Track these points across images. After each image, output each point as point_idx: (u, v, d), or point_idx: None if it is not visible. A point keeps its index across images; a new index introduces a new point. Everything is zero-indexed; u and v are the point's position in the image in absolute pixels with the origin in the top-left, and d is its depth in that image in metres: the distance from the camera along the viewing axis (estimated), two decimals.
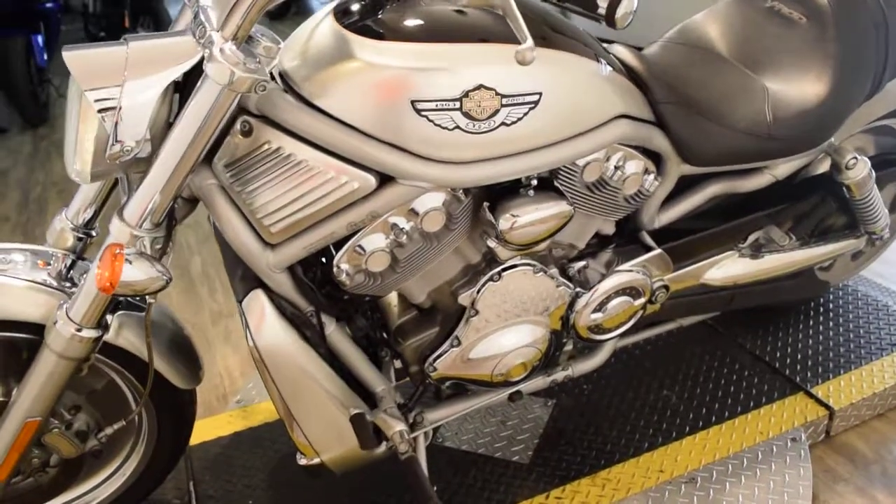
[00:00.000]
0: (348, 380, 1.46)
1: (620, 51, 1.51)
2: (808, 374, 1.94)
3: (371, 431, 1.39)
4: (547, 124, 1.26)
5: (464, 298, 1.45)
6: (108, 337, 1.32)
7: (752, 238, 1.76)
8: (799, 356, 2.00)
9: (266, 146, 1.18)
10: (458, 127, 1.18)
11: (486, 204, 1.34)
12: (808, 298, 2.18)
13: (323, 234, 1.25)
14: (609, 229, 1.61)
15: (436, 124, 1.17)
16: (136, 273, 1.15)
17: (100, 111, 1.08)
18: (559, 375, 1.72)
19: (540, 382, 1.71)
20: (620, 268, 1.60)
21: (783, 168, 1.67)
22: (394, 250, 1.31)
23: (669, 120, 1.47)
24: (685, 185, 1.64)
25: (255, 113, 1.19)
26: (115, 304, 1.32)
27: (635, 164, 1.48)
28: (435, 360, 1.50)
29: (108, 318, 1.29)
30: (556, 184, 1.39)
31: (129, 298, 1.38)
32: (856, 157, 1.67)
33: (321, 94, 1.17)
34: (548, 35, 1.27)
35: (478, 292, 1.44)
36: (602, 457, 1.74)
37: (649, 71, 1.48)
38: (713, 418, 1.83)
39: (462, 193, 1.31)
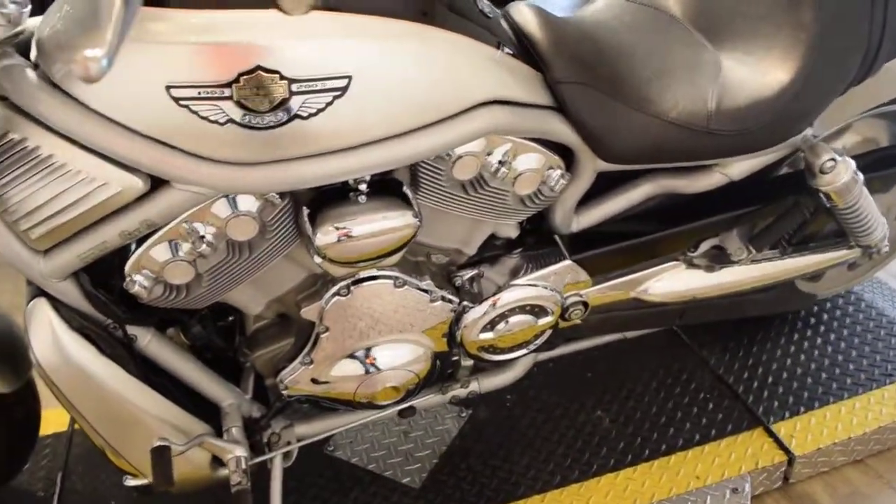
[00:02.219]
0: (186, 395, 1.26)
1: (522, 13, 1.19)
2: (776, 405, 1.62)
3: (170, 468, 1.18)
4: (363, 117, 0.97)
5: (308, 312, 1.21)
6: None
7: (704, 247, 1.44)
8: (770, 380, 1.68)
9: (10, 136, 0.95)
10: (231, 120, 0.92)
11: (305, 210, 1.08)
12: (785, 312, 1.83)
13: (94, 243, 1.02)
14: (510, 232, 1.33)
15: (201, 116, 0.91)
16: None
17: None
18: (461, 392, 1.48)
19: (435, 399, 1.48)
20: (517, 282, 1.32)
21: (739, 167, 1.33)
22: (196, 261, 1.08)
23: (570, 104, 1.15)
24: (612, 182, 1.33)
25: None
26: None
27: (531, 159, 1.18)
28: (286, 374, 1.28)
29: None
30: (404, 188, 1.11)
31: None
32: (834, 159, 1.31)
33: (69, 77, 0.93)
34: None
35: (325, 307, 1.20)
36: (503, 489, 1.50)
37: (555, 40, 1.16)
38: (646, 452, 1.55)
39: (276, 196, 1.05)
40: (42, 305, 1.10)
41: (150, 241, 1.04)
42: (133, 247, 1.07)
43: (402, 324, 1.27)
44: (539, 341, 1.41)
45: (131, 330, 1.17)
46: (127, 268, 1.06)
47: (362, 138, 0.99)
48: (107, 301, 1.11)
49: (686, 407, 1.64)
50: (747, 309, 1.58)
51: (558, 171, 1.21)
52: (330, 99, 0.93)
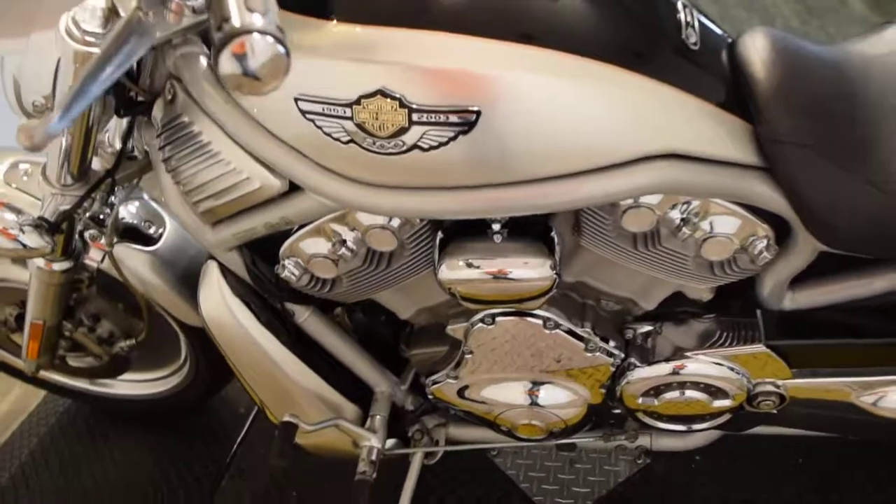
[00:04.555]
0: (342, 374, 1.30)
1: (754, 45, 0.96)
2: None
3: (290, 445, 1.22)
4: (492, 157, 0.86)
5: (455, 331, 1.16)
6: (105, 267, 1.32)
7: None
8: None
9: (182, 118, 1.01)
10: (353, 141, 0.87)
11: (439, 236, 1.01)
12: None
13: (244, 228, 1.06)
14: (700, 294, 1.13)
15: (325, 132, 0.88)
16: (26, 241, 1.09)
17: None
18: (627, 444, 1.34)
19: (598, 444, 1.35)
20: (698, 354, 1.13)
21: None
22: (339, 261, 1.07)
23: (783, 169, 0.92)
24: (846, 262, 1.06)
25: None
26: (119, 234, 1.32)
27: (726, 223, 0.98)
28: (432, 381, 1.25)
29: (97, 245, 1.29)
30: (552, 234, 0.98)
31: (139, 229, 1.36)
32: None
33: None
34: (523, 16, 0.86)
35: (470, 329, 1.13)
36: None
37: (780, 86, 0.92)
38: None
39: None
40: (213, 268, 1.19)
41: (300, 232, 1.06)
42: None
43: (551, 367, 1.16)
44: (715, 421, 1.21)
45: (290, 305, 1.22)
46: (280, 252, 1.10)
47: (490, 178, 0.89)
48: (263, 277, 1.16)
49: None
50: None
51: (764, 242, 0.99)
52: (453, 134, 0.84)
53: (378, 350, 1.34)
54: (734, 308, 1.16)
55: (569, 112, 0.86)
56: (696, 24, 0.96)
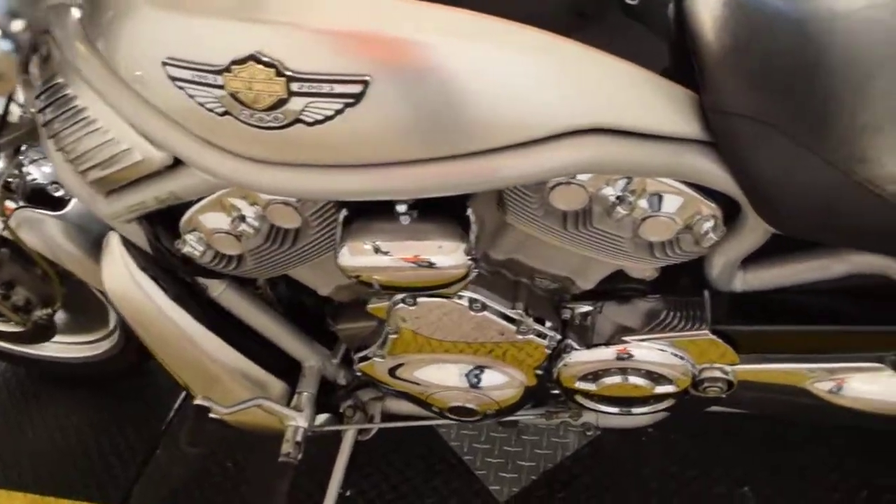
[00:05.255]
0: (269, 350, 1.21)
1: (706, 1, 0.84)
2: None
3: (202, 430, 1.14)
4: (387, 133, 0.75)
5: (376, 309, 1.06)
6: (8, 235, 1.22)
7: None
8: None
9: (57, 79, 0.89)
10: (228, 113, 0.76)
11: (343, 214, 0.90)
12: None
13: (135, 201, 0.95)
14: (644, 273, 1.03)
15: (198, 102, 0.76)
16: None
17: None
18: (571, 420, 1.26)
19: (541, 420, 1.28)
20: (640, 339, 1.04)
21: None
22: (241, 238, 0.96)
23: (729, 143, 0.81)
24: (804, 243, 0.96)
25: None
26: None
27: (668, 201, 0.88)
28: (360, 359, 1.16)
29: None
30: (468, 212, 0.87)
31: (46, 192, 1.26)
32: None
33: (98, 33, 0.83)
34: None
35: (392, 308, 1.04)
36: None
37: (727, 51, 0.80)
38: None
39: None
40: (114, 240, 1.09)
41: (198, 205, 0.95)
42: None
43: (481, 350, 1.07)
44: (658, 405, 1.13)
45: (202, 280, 1.12)
46: (180, 226, 0.99)
47: (389, 156, 0.78)
48: (167, 252, 1.05)
49: None
50: None
51: (710, 222, 0.89)
52: (340, 106, 0.73)
53: (308, 322, 1.25)
54: (682, 287, 1.06)
55: (481, 81, 0.75)
56: None
